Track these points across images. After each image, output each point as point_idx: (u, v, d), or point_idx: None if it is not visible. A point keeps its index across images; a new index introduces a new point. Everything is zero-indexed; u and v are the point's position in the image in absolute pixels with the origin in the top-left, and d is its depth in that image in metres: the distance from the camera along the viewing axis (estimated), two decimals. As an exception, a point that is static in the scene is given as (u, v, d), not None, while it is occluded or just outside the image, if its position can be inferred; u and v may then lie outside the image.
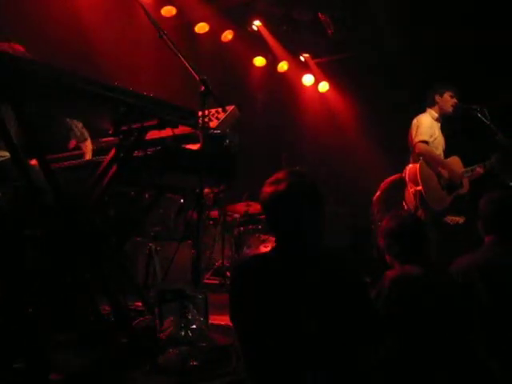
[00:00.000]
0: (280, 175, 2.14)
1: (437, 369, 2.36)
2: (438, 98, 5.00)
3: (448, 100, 4.97)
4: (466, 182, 4.94)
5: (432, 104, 5.03)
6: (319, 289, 2.02)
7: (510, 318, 2.57)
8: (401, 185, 5.06)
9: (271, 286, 2.05)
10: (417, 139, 4.87)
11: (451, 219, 4.91)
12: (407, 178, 4.90)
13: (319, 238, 2.15)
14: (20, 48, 3.31)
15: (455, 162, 5.00)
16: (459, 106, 4.95)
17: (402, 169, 5.08)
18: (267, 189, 2.14)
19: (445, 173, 4.85)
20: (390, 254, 2.77)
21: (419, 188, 4.75)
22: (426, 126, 4.91)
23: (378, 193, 5.83)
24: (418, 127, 4.92)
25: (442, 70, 6.06)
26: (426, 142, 4.85)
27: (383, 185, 5.84)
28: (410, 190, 4.84)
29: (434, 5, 6.01)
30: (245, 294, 2.11)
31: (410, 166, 4.92)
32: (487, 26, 5.85)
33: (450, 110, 4.95)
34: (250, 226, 6.60)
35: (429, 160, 4.84)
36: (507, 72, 5.74)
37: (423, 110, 5.07)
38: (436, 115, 5.00)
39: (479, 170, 4.89)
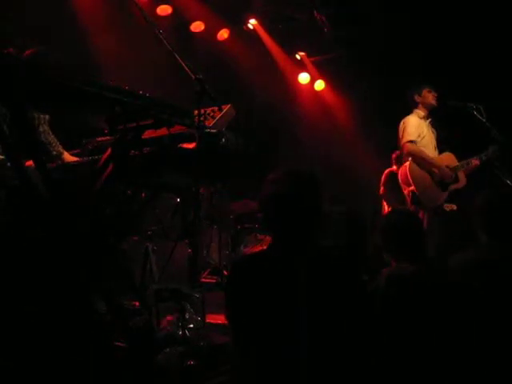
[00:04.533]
0: (280, 174, 2.13)
1: (432, 367, 2.37)
2: (417, 97, 5.13)
3: (427, 96, 5.10)
4: (462, 175, 4.97)
5: (415, 105, 5.12)
6: (316, 288, 2.02)
7: (508, 315, 2.58)
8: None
9: (269, 285, 2.04)
10: (404, 140, 4.96)
11: (446, 206, 4.95)
12: (400, 180, 4.95)
13: (317, 237, 2.15)
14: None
15: (448, 157, 5.04)
16: (455, 103, 5.00)
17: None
18: (267, 187, 2.12)
19: (435, 171, 4.88)
20: (387, 251, 2.77)
21: (412, 188, 4.80)
22: (413, 125, 5.00)
23: (381, 187, 5.86)
24: (404, 128, 5.01)
25: (438, 68, 6.08)
26: (413, 142, 4.91)
27: (383, 178, 5.88)
28: (404, 191, 4.89)
29: (432, 4, 6.04)
30: (242, 293, 2.11)
31: (401, 167, 4.98)
32: (484, 25, 5.88)
33: (434, 102, 5.09)
34: (247, 225, 6.59)
35: (417, 159, 4.90)
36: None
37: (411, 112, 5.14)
38: (422, 114, 5.11)
39: (475, 161, 4.96)
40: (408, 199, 4.86)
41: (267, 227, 2.20)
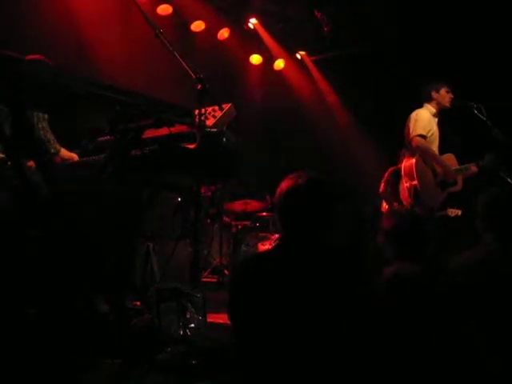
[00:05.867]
0: (300, 173, 2.15)
1: (432, 367, 2.37)
2: (434, 94, 5.00)
3: (445, 95, 4.99)
4: (459, 179, 4.95)
5: (429, 100, 5.03)
6: (322, 288, 2.02)
7: (509, 315, 2.57)
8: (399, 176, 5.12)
9: (273, 285, 2.04)
10: (414, 133, 4.83)
11: (451, 211, 4.91)
12: (402, 173, 4.89)
13: (327, 237, 2.15)
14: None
15: (450, 158, 5.01)
16: (456, 102, 4.97)
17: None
18: (286, 182, 2.14)
19: (439, 169, 4.86)
20: (388, 251, 2.77)
21: (414, 183, 4.74)
22: (425, 120, 4.89)
23: (382, 185, 5.83)
24: (416, 121, 4.88)
25: (439, 67, 6.08)
26: (423, 137, 4.83)
27: (386, 175, 5.85)
28: (405, 184, 4.84)
29: (432, 4, 6.05)
30: (246, 292, 2.11)
31: (406, 160, 4.92)
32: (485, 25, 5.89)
33: (448, 104, 4.98)
34: (248, 225, 6.60)
35: (424, 155, 4.83)
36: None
37: (419, 106, 5.07)
38: (434, 110, 5.00)
39: (474, 168, 4.91)
40: (408, 193, 4.81)
41: (280, 223, 2.21)
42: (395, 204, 5.31)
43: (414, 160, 4.79)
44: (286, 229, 2.18)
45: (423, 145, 4.83)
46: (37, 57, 3.48)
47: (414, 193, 4.74)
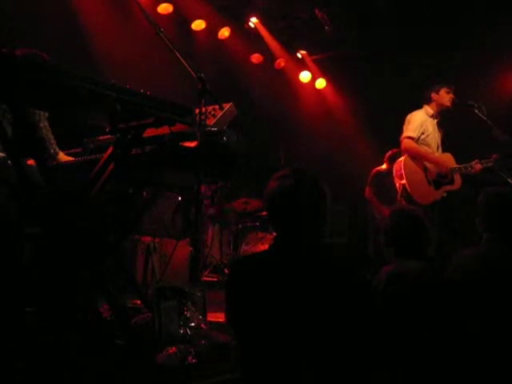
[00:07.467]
0: (287, 171, 2.12)
1: (432, 365, 2.37)
2: (434, 95, 5.04)
3: (444, 96, 5.01)
4: (458, 178, 4.95)
5: (428, 101, 5.06)
6: (318, 288, 2.01)
7: (508, 313, 2.57)
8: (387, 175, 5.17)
9: (269, 285, 2.03)
10: (404, 134, 4.96)
11: None
12: (394, 173, 4.98)
13: (320, 236, 2.14)
14: (47, 57, 3.40)
15: (447, 158, 5.02)
16: (456, 102, 4.98)
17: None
18: (273, 183, 2.11)
19: (431, 168, 4.88)
20: (388, 248, 2.77)
21: (403, 182, 4.83)
22: (417, 122, 4.96)
23: (367, 188, 5.88)
24: (408, 123, 4.99)
25: (439, 67, 6.08)
26: (412, 139, 4.91)
27: (369, 179, 5.90)
28: (396, 184, 4.92)
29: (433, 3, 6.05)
30: (242, 294, 2.10)
31: (397, 161, 5.00)
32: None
33: (449, 104, 5.00)
34: (248, 224, 6.60)
35: (413, 155, 4.90)
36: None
37: (420, 106, 5.09)
38: (432, 112, 5.03)
39: (478, 166, 4.91)
40: (399, 192, 4.88)
41: (271, 224, 2.20)
42: (382, 206, 5.37)
43: (402, 160, 4.91)
44: (277, 229, 2.16)
45: (410, 146, 4.91)
46: (30, 50, 3.44)
47: (405, 192, 4.81)
